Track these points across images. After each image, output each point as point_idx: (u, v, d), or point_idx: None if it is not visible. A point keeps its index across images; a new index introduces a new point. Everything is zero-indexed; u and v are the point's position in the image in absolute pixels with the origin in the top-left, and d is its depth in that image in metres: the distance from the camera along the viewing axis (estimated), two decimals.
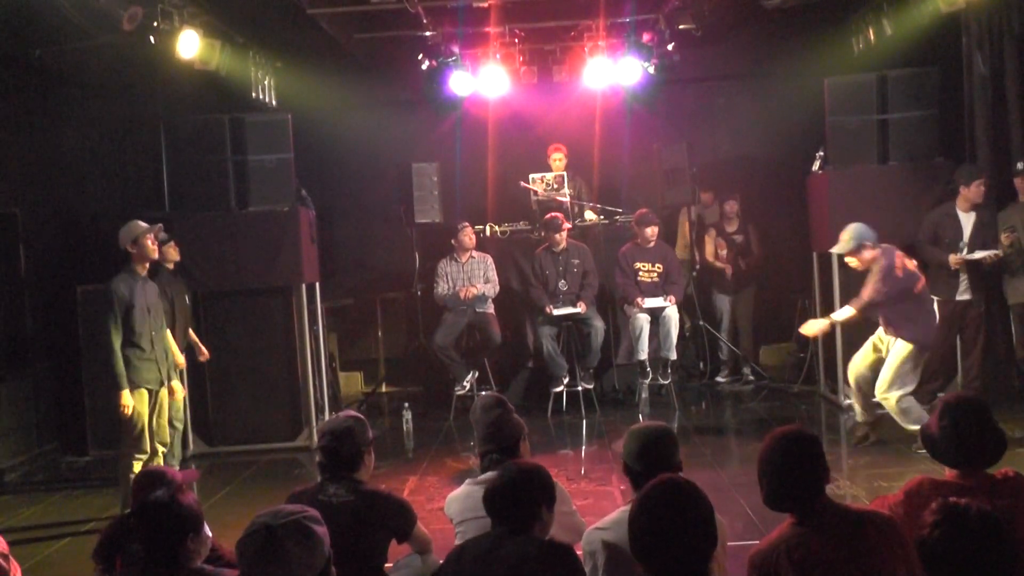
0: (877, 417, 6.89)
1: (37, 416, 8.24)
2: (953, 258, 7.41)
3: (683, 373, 9.69)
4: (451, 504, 3.82)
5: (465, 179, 10.39)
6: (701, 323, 9.55)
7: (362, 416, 3.89)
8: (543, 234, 9.03)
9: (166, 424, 6.34)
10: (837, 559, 2.78)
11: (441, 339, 8.82)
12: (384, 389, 10.49)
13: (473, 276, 9.02)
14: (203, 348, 7.56)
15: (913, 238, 7.76)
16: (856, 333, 7.26)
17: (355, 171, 10.76)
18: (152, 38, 7.26)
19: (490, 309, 9.03)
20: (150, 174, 9.32)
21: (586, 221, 9.63)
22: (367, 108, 10.76)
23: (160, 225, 6.33)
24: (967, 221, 7.47)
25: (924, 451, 6.77)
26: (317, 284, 8.67)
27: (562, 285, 8.85)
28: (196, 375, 7.86)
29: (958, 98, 7.91)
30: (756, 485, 2.98)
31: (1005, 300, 7.68)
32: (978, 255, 7.33)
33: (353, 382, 10.79)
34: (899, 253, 6.55)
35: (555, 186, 9.67)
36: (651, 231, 8.80)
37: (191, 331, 7.46)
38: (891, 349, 6.57)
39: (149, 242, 6.11)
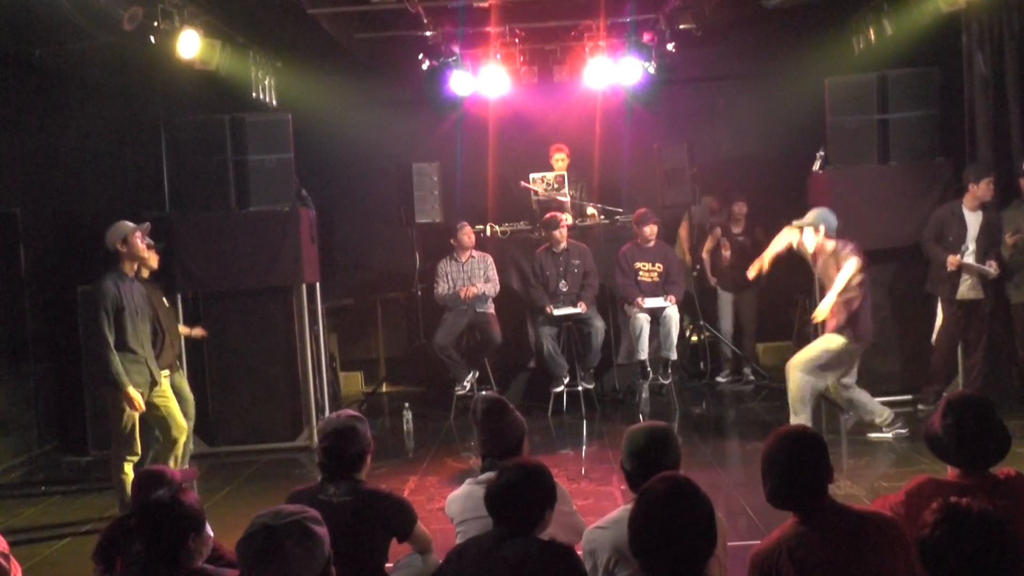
0: (853, 403, 6.97)
1: (37, 416, 8.23)
2: (952, 259, 7.41)
3: (683, 373, 9.69)
4: (452, 504, 3.82)
5: (465, 179, 10.40)
6: (702, 323, 9.55)
7: (362, 415, 3.88)
8: (543, 234, 9.03)
9: (178, 412, 6.27)
10: (838, 559, 2.78)
11: (441, 339, 8.82)
12: (384, 389, 10.47)
13: (473, 275, 9.01)
14: (194, 330, 7.51)
15: (913, 238, 7.78)
16: None
17: (355, 171, 10.76)
18: (152, 38, 7.27)
19: (490, 309, 9.03)
20: (150, 174, 9.32)
21: (587, 221, 9.62)
22: (367, 108, 10.76)
23: (148, 224, 6.20)
24: (972, 220, 7.48)
25: (875, 435, 6.94)
26: (317, 284, 8.65)
27: (562, 285, 8.84)
28: (196, 375, 7.85)
29: (958, 98, 7.90)
30: (757, 485, 2.98)
31: (1007, 300, 7.67)
32: (976, 266, 7.40)
33: (353, 382, 10.77)
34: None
35: (555, 186, 9.67)
36: (650, 230, 8.79)
37: (180, 325, 7.41)
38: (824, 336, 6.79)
39: (138, 240, 6.05)
